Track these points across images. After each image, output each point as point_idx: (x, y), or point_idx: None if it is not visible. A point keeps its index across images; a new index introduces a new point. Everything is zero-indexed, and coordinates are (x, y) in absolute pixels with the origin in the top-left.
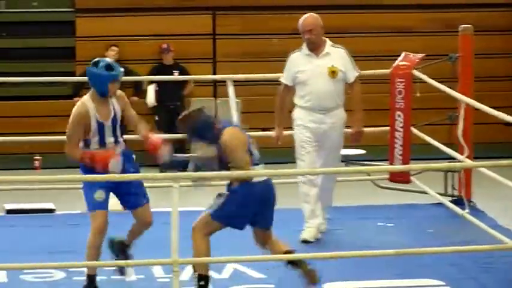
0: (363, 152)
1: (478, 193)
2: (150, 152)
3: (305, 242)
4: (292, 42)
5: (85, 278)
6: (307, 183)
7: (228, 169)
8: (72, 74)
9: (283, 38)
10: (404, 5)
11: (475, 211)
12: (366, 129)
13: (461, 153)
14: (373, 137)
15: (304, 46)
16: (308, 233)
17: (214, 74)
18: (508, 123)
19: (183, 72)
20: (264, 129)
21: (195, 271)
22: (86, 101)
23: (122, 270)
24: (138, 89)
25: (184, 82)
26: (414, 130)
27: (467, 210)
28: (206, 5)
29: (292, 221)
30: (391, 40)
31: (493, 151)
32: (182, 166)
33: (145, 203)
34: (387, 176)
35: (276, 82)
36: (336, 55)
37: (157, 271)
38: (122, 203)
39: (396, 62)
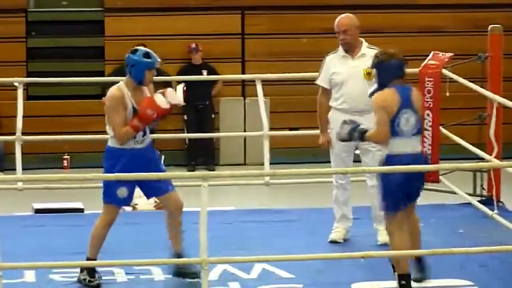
0: None
1: (507, 193)
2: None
3: (333, 242)
4: (321, 41)
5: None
6: (339, 187)
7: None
8: (101, 73)
9: (312, 38)
10: (434, 4)
11: (504, 211)
12: None
13: (490, 153)
14: None
15: (340, 47)
16: (336, 234)
17: (243, 73)
18: None
19: (211, 71)
20: (291, 129)
21: (394, 271)
22: (121, 86)
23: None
24: None
25: (213, 82)
26: (443, 130)
27: (496, 211)
28: (235, 5)
29: (327, 221)
30: (421, 40)
31: None
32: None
33: (172, 189)
34: None
35: (305, 81)
36: (371, 56)
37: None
38: (150, 194)
39: (425, 61)
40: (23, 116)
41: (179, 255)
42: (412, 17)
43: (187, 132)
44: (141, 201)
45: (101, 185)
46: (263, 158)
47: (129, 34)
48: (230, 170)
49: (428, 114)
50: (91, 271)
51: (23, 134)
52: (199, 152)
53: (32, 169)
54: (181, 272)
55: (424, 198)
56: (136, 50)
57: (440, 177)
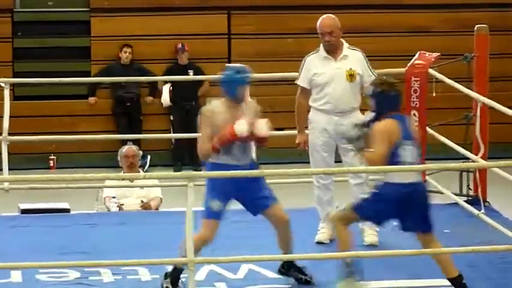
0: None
1: (493, 193)
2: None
3: (319, 243)
4: (307, 41)
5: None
6: (321, 187)
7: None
8: (88, 73)
9: (298, 38)
10: (420, 4)
11: (491, 211)
12: None
13: (476, 153)
14: None
15: (321, 48)
16: (322, 235)
17: None
18: None
19: (198, 72)
20: (277, 129)
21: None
22: (216, 103)
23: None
24: (154, 89)
25: (200, 82)
26: (429, 130)
27: (482, 211)
28: (221, 5)
29: (310, 221)
30: (407, 39)
31: (509, 151)
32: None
33: (273, 202)
34: None
35: (291, 82)
36: (353, 58)
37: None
38: (249, 210)
39: (412, 61)
40: (10, 116)
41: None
42: (399, 17)
43: (174, 133)
44: (128, 201)
45: (87, 185)
46: None
47: (115, 34)
48: None
49: (414, 114)
50: (175, 279)
51: (10, 134)
52: (186, 152)
53: (19, 169)
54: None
55: None
56: (228, 68)
57: (427, 177)
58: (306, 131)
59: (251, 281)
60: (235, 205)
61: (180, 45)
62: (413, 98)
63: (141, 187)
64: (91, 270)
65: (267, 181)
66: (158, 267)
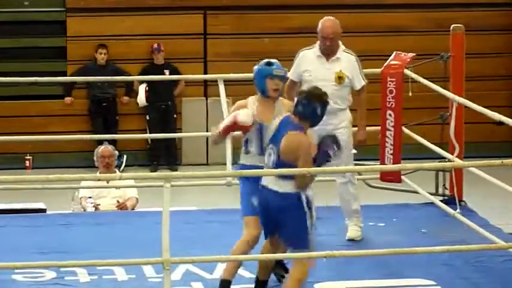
0: (353, 151)
1: (469, 193)
2: None
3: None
4: (283, 41)
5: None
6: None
7: None
8: (64, 73)
9: (274, 38)
10: (396, 4)
11: (466, 211)
12: (356, 128)
13: (452, 153)
14: None
15: (317, 46)
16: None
17: (205, 73)
18: (499, 123)
19: (174, 71)
20: None
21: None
22: (250, 99)
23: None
24: (129, 89)
25: (176, 82)
26: (405, 129)
27: (458, 210)
28: (197, 5)
29: None
30: (383, 39)
31: (484, 151)
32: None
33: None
34: (378, 176)
35: None
36: (345, 61)
37: (149, 271)
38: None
39: (387, 62)
40: None
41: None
42: (374, 17)
43: (150, 132)
44: (104, 201)
45: (63, 185)
46: (225, 158)
47: (91, 34)
48: (192, 170)
49: (390, 114)
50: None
51: None
52: (162, 152)
53: None
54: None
55: (387, 198)
56: (261, 60)
57: (403, 177)
58: None
59: None
60: (210, 205)
61: (156, 45)
62: (389, 98)
63: (117, 187)
64: (67, 270)
65: None
66: (134, 267)
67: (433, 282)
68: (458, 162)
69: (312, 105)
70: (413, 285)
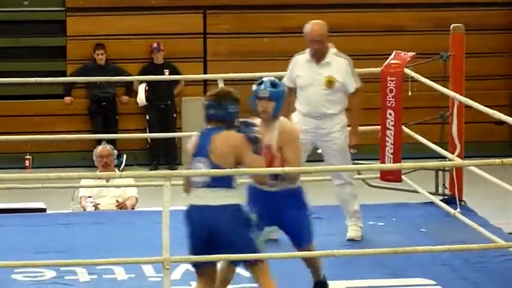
0: (353, 151)
1: (469, 192)
2: None
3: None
4: (282, 41)
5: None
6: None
7: None
8: (63, 73)
9: (273, 37)
10: (396, 3)
11: (466, 210)
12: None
13: (452, 152)
14: (363, 136)
15: (308, 51)
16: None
17: (205, 73)
18: (499, 122)
19: (173, 71)
20: None
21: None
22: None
23: None
24: (129, 89)
25: (175, 81)
26: (405, 129)
27: (458, 210)
28: (197, 4)
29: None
30: (383, 39)
31: (484, 150)
32: None
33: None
34: (378, 175)
35: None
36: (336, 65)
37: (148, 270)
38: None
39: (387, 61)
40: None
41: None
42: (375, 16)
43: (150, 132)
44: (103, 200)
45: (63, 184)
46: None
47: (91, 34)
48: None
49: (390, 114)
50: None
51: None
52: (162, 151)
53: None
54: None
55: (387, 197)
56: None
57: (403, 176)
58: None
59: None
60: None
61: (155, 45)
62: (389, 98)
63: (117, 186)
64: (67, 269)
65: None
66: (134, 266)
67: (433, 282)
68: (458, 161)
69: (222, 105)
70: (413, 285)
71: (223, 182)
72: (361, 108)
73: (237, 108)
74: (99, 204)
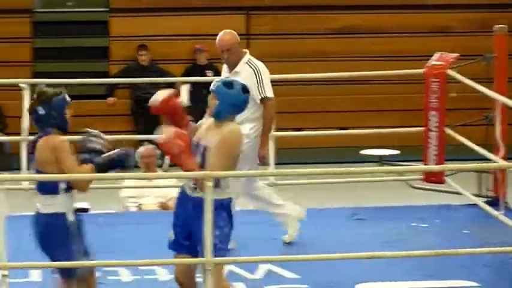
0: (397, 152)
1: None
2: None
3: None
4: (326, 42)
5: None
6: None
7: None
8: (106, 73)
9: (316, 38)
10: (440, 5)
11: (510, 212)
12: (399, 129)
13: (496, 154)
14: (407, 137)
15: None
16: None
17: None
18: None
19: (216, 72)
20: (295, 129)
21: None
22: None
23: None
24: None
25: None
26: (448, 130)
27: (501, 211)
28: (239, 5)
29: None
30: (426, 40)
31: None
32: None
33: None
34: (421, 177)
35: (309, 82)
36: (243, 74)
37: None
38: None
39: (430, 62)
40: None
41: None
42: (418, 17)
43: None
44: (146, 201)
45: (106, 185)
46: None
47: (134, 34)
48: None
49: (434, 115)
50: None
51: (29, 134)
52: None
53: None
54: None
55: (429, 199)
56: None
57: (446, 178)
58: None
59: (270, 281)
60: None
61: (198, 46)
62: (433, 99)
63: (160, 187)
64: (109, 269)
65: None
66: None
67: (476, 284)
68: (501, 163)
69: (34, 109)
70: (455, 287)
71: (48, 188)
72: (403, 109)
73: (49, 110)
74: (141, 204)
